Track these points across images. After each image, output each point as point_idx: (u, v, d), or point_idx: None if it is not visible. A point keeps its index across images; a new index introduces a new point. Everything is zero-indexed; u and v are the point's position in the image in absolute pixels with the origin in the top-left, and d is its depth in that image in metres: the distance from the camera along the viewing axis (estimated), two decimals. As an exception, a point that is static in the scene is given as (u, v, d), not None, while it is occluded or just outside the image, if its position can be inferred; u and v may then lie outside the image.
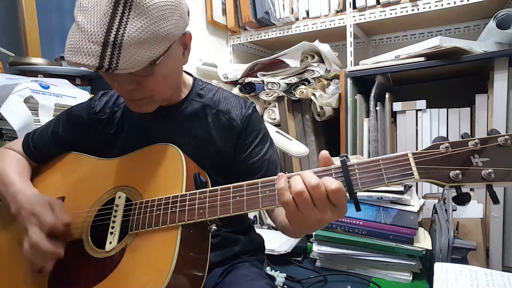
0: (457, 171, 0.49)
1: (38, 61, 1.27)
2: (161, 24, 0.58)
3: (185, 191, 0.64)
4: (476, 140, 0.50)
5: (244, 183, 0.60)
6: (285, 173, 0.57)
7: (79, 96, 1.18)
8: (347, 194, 0.53)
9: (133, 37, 0.56)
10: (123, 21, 0.56)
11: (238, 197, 0.59)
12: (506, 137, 0.49)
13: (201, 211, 0.61)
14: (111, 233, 0.65)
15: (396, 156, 0.53)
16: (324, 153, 0.56)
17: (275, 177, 0.57)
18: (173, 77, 0.71)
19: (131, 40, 0.56)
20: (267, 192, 0.58)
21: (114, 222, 0.66)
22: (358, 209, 0.54)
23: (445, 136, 1.41)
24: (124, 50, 0.56)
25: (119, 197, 0.69)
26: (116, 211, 0.67)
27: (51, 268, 0.65)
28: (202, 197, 0.62)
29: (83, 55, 0.55)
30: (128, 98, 0.68)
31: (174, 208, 0.62)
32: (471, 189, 1.36)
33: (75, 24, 0.58)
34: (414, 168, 0.52)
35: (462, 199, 0.50)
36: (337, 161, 0.56)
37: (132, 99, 0.67)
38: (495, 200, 0.49)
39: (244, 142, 0.78)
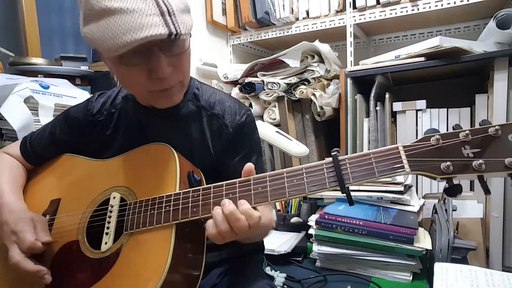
0: (448, 163, 0.49)
1: (38, 61, 1.27)
2: None
3: (179, 190, 0.64)
4: (467, 131, 0.50)
5: (237, 180, 0.60)
6: None
7: (79, 96, 1.18)
8: (339, 188, 0.54)
9: (177, 5, 0.58)
10: None
11: (230, 195, 0.60)
12: (496, 127, 0.48)
13: (194, 209, 0.61)
14: (107, 233, 0.65)
15: (387, 149, 0.54)
16: (248, 166, 0.60)
17: (267, 173, 0.59)
18: (190, 58, 0.71)
19: (177, 7, 0.58)
20: (259, 189, 0.58)
21: (109, 222, 0.66)
22: (351, 203, 0.54)
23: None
24: (178, 17, 0.58)
25: (114, 198, 0.69)
26: (111, 211, 0.67)
27: (48, 281, 0.65)
28: (195, 195, 0.62)
29: (148, 28, 0.55)
30: (163, 87, 0.65)
31: (168, 207, 0.62)
32: (471, 188, 1.35)
33: (108, 16, 0.55)
34: (405, 161, 0.52)
35: (454, 190, 0.50)
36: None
37: (168, 87, 0.66)
38: (486, 191, 0.49)
39: (232, 149, 0.77)
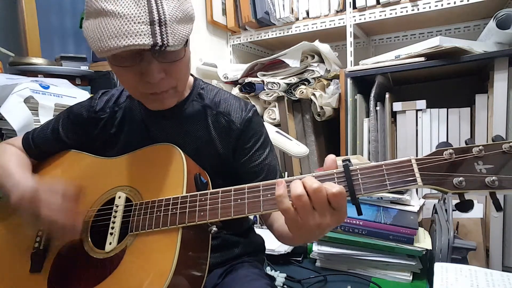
0: (461, 178, 0.49)
1: (38, 61, 1.27)
2: (186, 4, 0.61)
3: (186, 192, 0.64)
4: (480, 147, 0.49)
5: (246, 186, 0.60)
6: (284, 177, 0.56)
7: (79, 96, 1.18)
8: (349, 199, 0.53)
9: (172, 14, 0.57)
10: (157, 1, 0.56)
11: (239, 200, 0.59)
12: (511, 144, 0.48)
13: (201, 213, 0.61)
14: (111, 233, 0.65)
15: (400, 162, 0.53)
16: (331, 157, 0.56)
17: (277, 180, 0.57)
18: (190, 65, 0.71)
19: (172, 17, 0.57)
20: (269, 195, 0.57)
21: (114, 222, 0.66)
22: (359, 213, 0.53)
23: (445, 136, 1.41)
24: (169, 27, 0.57)
25: (119, 197, 0.68)
26: (116, 211, 0.67)
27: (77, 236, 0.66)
28: (203, 199, 0.62)
29: (133, 36, 0.54)
30: (153, 91, 0.65)
31: (174, 210, 0.62)
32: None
33: (101, 17, 0.56)
34: (417, 175, 0.51)
35: (465, 206, 0.50)
36: (338, 161, 0.56)
37: (158, 91, 0.65)
38: (498, 208, 0.48)
39: (244, 146, 0.77)
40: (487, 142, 0.49)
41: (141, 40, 0.54)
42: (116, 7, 0.55)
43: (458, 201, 0.51)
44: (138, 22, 0.55)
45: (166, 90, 0.66)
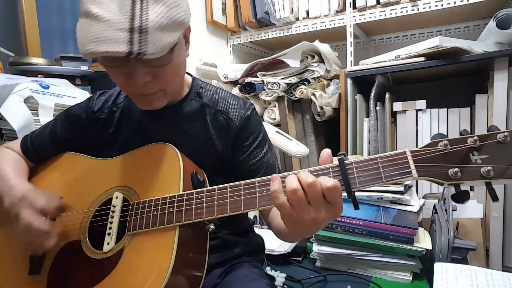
0: (456, 169, 0.49)
1: (38, 61, 1.27)
2: (176, 10, 0.60)
3: (183, 191, 0.64)
4: (475, 137, 0.49)
5: (241, 182, 0.60)
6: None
7: (79, 96, 1.18)
8: (345, 193, 0.53)
9: (156, 22, 0.56)
10: (143, 7, 0.56)
11: (235, 197, 0.59)
12: (505, 133, 0.48)
13: (198, 211, 0.61)
14: (109, 234, 0.65)
15: (394, 154, 0.53)
16: (326, 151, 0.56)
17: (272, 176, 0.57)
18: (182, 68, 0.71)
19: (155, 25, 0.56)
20: (265, 191, 0.57)
21: (111, 223, 0.66)
22: (356, 207, 0.53)
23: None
24: (150, 35, 0.56)
25: (116, 198, 0.68)
26: (113, 211, 0.67)
27: (50, 246, 0.66)
28: (199, 197, 0.62)
29: (110, 43, 0.54)
30: (140, 92, 0.66)
31: (171, 208, 0.62)
32: (471, 189, 1.35)
33: (88, 18, 0.56)
34: (412, 167, 0.51)
35: (461, 197, 0.50)
36: (335, 160, 0.56)
37: (145, 93, 0.66)
38: (494, 198, 0.48)
39: (242, 144, 0.77)
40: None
41: (115, 48, 0.54)
42: (101, 11, 0.55)
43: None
44: (117, 29, 0.55)
45: (154, 93, 0.66)
